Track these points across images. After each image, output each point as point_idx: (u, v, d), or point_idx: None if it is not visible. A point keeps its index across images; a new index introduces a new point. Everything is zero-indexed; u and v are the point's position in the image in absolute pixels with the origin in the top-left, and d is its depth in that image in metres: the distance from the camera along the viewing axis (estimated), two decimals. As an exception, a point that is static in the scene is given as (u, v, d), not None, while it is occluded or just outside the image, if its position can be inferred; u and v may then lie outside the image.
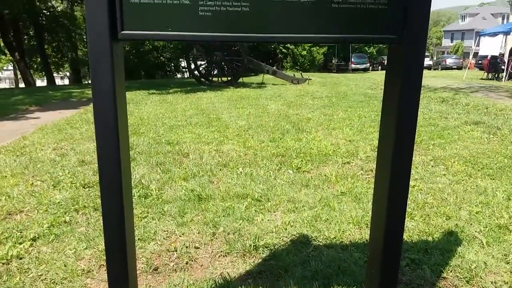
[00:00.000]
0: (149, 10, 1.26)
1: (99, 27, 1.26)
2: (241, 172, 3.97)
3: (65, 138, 5.58)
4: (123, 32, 1.27)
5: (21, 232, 2.71)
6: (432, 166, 4.21)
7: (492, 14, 67.14)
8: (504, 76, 18.48)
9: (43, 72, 29.91)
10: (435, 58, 47.93)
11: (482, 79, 20.17)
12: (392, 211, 1.51)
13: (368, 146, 5.07)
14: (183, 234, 2.67)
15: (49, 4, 26.82)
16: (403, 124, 1.38)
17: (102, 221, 1.43)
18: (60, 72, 40.39)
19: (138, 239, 2.59)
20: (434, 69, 38.37)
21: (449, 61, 39.75)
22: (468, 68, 26.25)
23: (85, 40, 31.41)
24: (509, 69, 18.38)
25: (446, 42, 71.27)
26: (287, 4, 1.29)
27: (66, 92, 13.66)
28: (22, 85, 28.76)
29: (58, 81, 37.89)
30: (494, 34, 20.97)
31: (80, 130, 6.13)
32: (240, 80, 16.14)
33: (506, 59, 18.96)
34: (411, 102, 1.39)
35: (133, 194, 3.20)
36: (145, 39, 1.28)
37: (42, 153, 4.75)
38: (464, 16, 71.89)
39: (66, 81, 40.84)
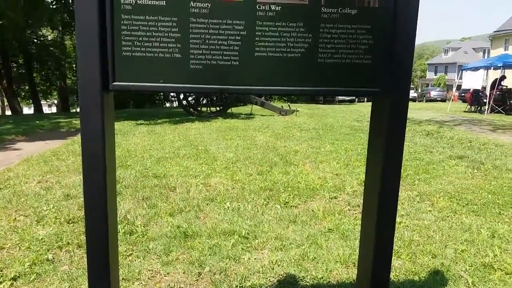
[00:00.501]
0: (141, 63, 1.30)
1: (91, 78, 1.28)
2: (228, 207, 3.96)
3: (50, 170, 5.51)
4: (114, 83, 1.30)
5: (1, 271, 2.64)
6: (418, 202, 4.26)
7: (473, 49, 69.53)
8: (486, 109, 18.96)
9: (31, 100, 29.77)
10: (419, 90, 49.07)
11: (465, 111, 20.66)
12: (379, 256, 1.53)
13: (355, 180, 5.12)
14: (168, 273, 2.63)
15: (40, 33, 27.01)
16: (388, 174, 1.42)
17: (86, 259, 1.42)
18: (48, 100, 40.25)
19: (123, 278, 2.54)
20: (419, 101, 39.21)
21: (433, 94, 40.77)
22: (452, 100, 26.87)
23: (74, 69, 31.50)
24: (491, 102, 18.89)
25: (430, 75, 73.25)
26: (274, 59, 1.33)
27: (53, 121, 13.57)
28: (8, 112, 28.52)
29: (46, 109, 37.73)
30: (476, 69, 21.66)
31: (66, 162, 6.07)
32: (229, 110, 16.26)
33: (487, 92, 19.50)
34: (395, 153, 1.43)
35: (118, 231, 3.16)
36: (136, 90, 1.31)
37: (26, 186, 4.68)
38: (447, 50, 74.33)
39: (54, 109, 40.66)
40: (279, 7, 1.31)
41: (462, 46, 73.46)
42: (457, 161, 6.38)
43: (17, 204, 4.02)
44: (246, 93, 1.52)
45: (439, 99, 39.35)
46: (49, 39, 28.39)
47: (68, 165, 5.83)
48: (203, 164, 5.98)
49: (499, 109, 19.08)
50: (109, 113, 1.36)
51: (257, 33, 1.32)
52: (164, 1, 1.27)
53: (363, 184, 4.93)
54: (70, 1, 22.86)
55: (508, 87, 20.49)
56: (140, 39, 1.29)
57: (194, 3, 1.28)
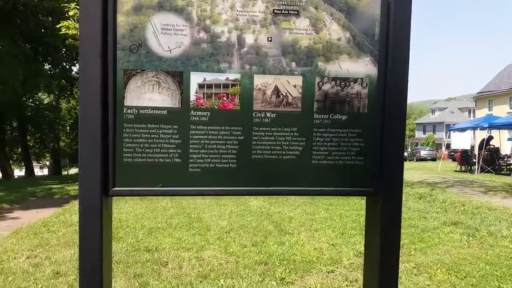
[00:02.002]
0: (141, 168, 1.33)
1: (91, 183, 1.31)
2: (222, 285, 3.85)
3: (40, 244, 5.38)
4: (114, 189, 1.32)
5: None
6: (416, 275, 4.18)
7: (459, 109, 71.82)
8: (476, 169, 19.21)
9: (23, 163, 29.63)
10: (409, 150, 49.87)
11: (456, 171, 20.89)
12: None
13: (351, 251, 5.04)
14: None
15: (36, 97, 27.50)
16: (385, 273, 1.42)
17: None
18: (40, 162, 40.11)
19: None
20: (410, 160, 39.71)
21: (423, 153, 41.42)
22: (442, 159, 27.26)
23: (67, 131, 31.75)
24: (480, 162, 19.18)
25: (419, 134, 74.85)
26: (271, 161, 1.38)
27: (45, 187, 13.43)
28: (-1, 175, 28.20)
29: (37, 171, 37.42)
30: (463, 129, 22.25)
31: (57, 234, 5.94)
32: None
33: (476, 152, 19.90)
34: (391, 252, 1.44)
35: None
36: (136, 195, 1.34)
37: (14, 263, 4.54)
38: (434, 110, 76.65)
39: (45, 171, 40.37)
40: (274, 114, 1.39)
41: (448, 106, 75.94)
42: (452, 227, 6.35)
43: (4, 285, 3.87)
44: (242, 195, 1.55)
45: (429, 158, 39.91)
46: (45, 102, 28.87)
47: (59, 238, 5.70)
48: (196, 235, 5.88)
49: (489, 168, 19.35)
50: (107, 216, 1.37)
51: (253, 138, 1.38)
52: (166, 111, 1.34)
53: (359, 255, 4.86)
54: (67, 67, 23.54)
55: (496, 147, 20.94)
56: (141, 146, 1.34)
57: (195, 112, 1.35)
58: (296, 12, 1.36)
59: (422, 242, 5.46)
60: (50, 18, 17.64)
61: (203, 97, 1.36)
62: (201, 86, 1.36)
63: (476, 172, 18.96)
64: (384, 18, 1.38)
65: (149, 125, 1.34)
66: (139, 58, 1.32)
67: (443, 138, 47.99)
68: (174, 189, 1.37)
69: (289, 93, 1.39)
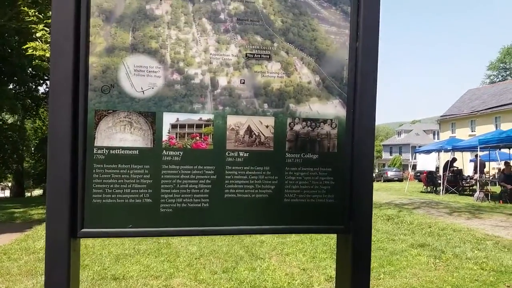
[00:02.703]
0: (111, 209, 1.31)
1: (59, 225, 1.28)
2: (193, 316, 3.76)
3: (0, 273, 5.12)
4: (82, 230, 1.30)
5: None
6: (385, 300, 4.23)
7: (424, 131, 74.36)
8: (441, 189, 19.81)
9: (-18, 184, 28.33)
10: (377, 170, 50.96)
11: (422, 192, 21.46)
12: None
13: (322, 276, 5.05)
14: None
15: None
16: (355, 311, 1.44)
17: None
18: (1, 183, 38.45)
19: None
20: (377, 181, 40.52)
21: (390, 173, 42.45)
22: (409, 180, 27.96)
23: (32, 151, 30.68)
24: (445, 183, 19.80)
25: (385, 155, 76.76)
26: (243, 200, 1.39)
27: (7, 211, 12.85)
28: (-44, 197, 26.80)
29: (-2, 192, 35.80)
30: (428, 151, 22.99)
31: (19, 262, 5.67)
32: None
33: (441, 173, 20.54)
34: (362, 284, 1.47)
35: None
36: (105, 236, 1.31)
37: (-30, 296, 4.29)
38: (400, 132, 79.06)
39: (7, 192, 38.67)
40: (247, 153, 1.40)
41: (413, 128, 78.54)
42: (419, 250, 6.49)
43: (-43, 320, 3.64)
44: (215, 234, 1.55)
45: (396, 178, 40.91)
46: (9, 122, 27.87)
47: (20, 266, 5.44)
48: (165, 262, 5.75)
49: (453, 189, 19.98)
50: (75, 258, 1.33)
51: (226, 177, 1.39)
52: (137, 151, 1.33)
53: (330, 279, 4.87)
54: (34, 87, 22.92)
55: (459, 168, 21.70)
56: (111, 186, 1.32)
57: (167, 152, 1.35)
58: (268, 56, 1.40)
59: (391, 265, 5.54)
60: (17, 38, 17.24)
61: (176, 137, 1.36)
62: (174, 126, 1.36)
63: (441, 192, 19.55)
64: (352, 63, 1.44)
65: (119, 165, 1.33)
66: (111, 98, 1.31)
67: (409, 159, 49.42)
68: (145, 230, 1.35)
69: (262, 133, 1.42)
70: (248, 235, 7.64)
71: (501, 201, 15.50)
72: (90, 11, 1.29)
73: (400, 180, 39.95)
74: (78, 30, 1.28)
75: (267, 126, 1.42)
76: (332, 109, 1.45)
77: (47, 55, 8.87)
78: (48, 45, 8.96)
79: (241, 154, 1.40)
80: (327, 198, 1.46)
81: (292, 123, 1.44)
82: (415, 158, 26.12)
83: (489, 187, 18.23)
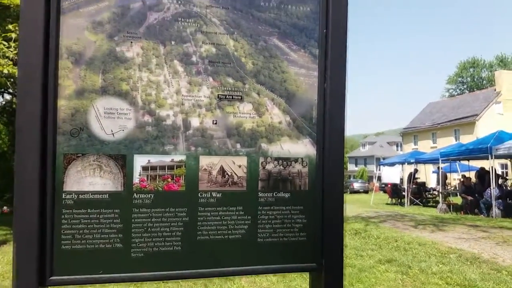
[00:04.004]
0: (81, 256, 1.28)
1: (27, 273, 1.24)
2: None
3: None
4: (51, 278, 1.26)
5: None
6: (355, 320, 4.27)
7: (388, 143, 76.50)
8: (406, 201, 20.36)
9: None
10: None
11: (387, 204, 21.97)
12: None
13: (293, 296, 5.06)
14: None
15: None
16: None
17: None
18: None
19: None
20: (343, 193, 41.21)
21: (356, 185, 43.29)
22: (374, 191, 28.60)
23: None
24: (409, 195, 20.38)
25: (351, 167, 78.32)
26: (216, 241, 1.39)
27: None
28: None
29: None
30: (392, 164, 23.64)
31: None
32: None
33: (405, 185, 21.14)
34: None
35: None
36: (76, 284, 1.27)
37: None
38: (364, 144, 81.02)
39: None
40: (220, 194, 1.40)
41: (377, 140, 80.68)
42: (387, 265, 6.61)
43: None
44: (187, 278, 1.53)
45: (362, 190, 41.76)
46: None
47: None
48: None
49: (417, 201, 20.59)
50: (42, 308, 1.28)
51: (199, 218, 1.38)
52: (107, 195, 1.31)
53: (301, 300, 4.89)
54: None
55: (422, 181, 22.42)
56: (81, 231, 1.29)
57: (138, 195, 1.33)
58: (240, 97, 1.42)
59: (360, 283, 5.62)
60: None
61: (147, 179, 1.35)
62: (145, 168, 1.35)
63: (406, 204, 20.09)
64: (320, 103, 1.48)
65: (89, 210, 1.30)
66: (80, 142, 1.28)
67: (374, 171, 50.58)
68: (116, 275, 1.31)
69: (235, 172, 1.43)
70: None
71: (462, 212, 16.10)
72: (59, 53, 1.27)
73: (366, 191, 40.79)
74: (46, 73, 1.25)
75: (239, 166, 1.43)
76: (303, 148, 1.48)
77: (5, 71, 8.54)
78: (5, 59, 8.65)
79: (213, 194, 1.40)
80: (300, 236, 1.48)
81: (264, 162, 1.45)
82: (379, 170, 26.78)
83: (451, 198, 18.91)
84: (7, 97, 15.58)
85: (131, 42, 1.33)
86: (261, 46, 1.43)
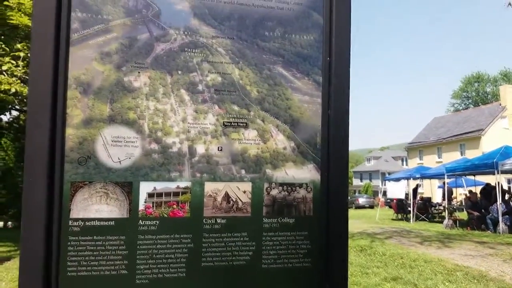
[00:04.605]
0: (86, 282, 1.29)
1: (31, 300, 1.24)
2: None
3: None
4: (56, 306, 1.26)
5: None
6: None
7: (393, 157, 76.21)
8: (411, 217, 20.20)
9: None
10: (348, 198, 51.58)
11: (393, 219, 21.79)
12: None
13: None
14: None
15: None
16: None
17: None
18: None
19: None
20: (348, 208, 41.01)
21: (362, 201, 43.06)
22: (380, 206, 28.41)
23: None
24: (415, 210, 20.23)
25: (356, 182, 77.97)
26: (221, 268, 1.41)
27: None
28: None
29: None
30: (397, 179, 23.51)
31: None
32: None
33: (410, 201, 21.02)
34: None
35: None
36: (79, 311, 1.28)
37: None
38: (370, 158, 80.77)
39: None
40: (224, 220, 1.41)
41: (382, 155, 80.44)
42: (392, 283, 6.54)
43: None
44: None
45: (367, 205, 41.52)
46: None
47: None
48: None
49: (423, 216, 20.43)
50: (47, 336, 1.28)
51: (203, 245, 1.39)
52: (113, 222, 1.32)
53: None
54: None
55: (427, 196, 22.27)
56: (86, 258, 1.30)
57: (143, 222, 1.34)
58: (245, 124, 1.44)
59: (366, 302, 5.56)
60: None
61: (152, 206, 1.36)
62: (150, 195, 1.36)
63: (411, 220, 19.92)
64: (324, 129, 1.50)
65: (95, 237, 1.31)
66: (87, 170, 1.30)
67: (379, 186, 50.31)
68: (121, 302, 1.32)
69: (239, 198, 1.44)
70: None
71: (468, 227, 15.93)
72: (68, 83, 1.30)
73: (371, 207, 40.53)
74: (55, 102, 1.28)
75: (244, 192, 1.44)
76: (307, 173, 1.49)
77: (13, 89, 8.65)
78: (14, 78, 8.77)
79: (218, 221, 1.41)
80: (304, 262, 1.48)
81: (269, 188, 1.46)
82: (384, 185, 26.65)
83: (457, 214, 18.74)
84: (14, 113, 15.76)
85: (139, 72, 1.36)
86: (265, 74, 1.46)
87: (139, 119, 1.35)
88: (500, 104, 40.14)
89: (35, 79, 1.29)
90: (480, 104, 59.12)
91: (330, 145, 1.50)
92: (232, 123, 1.43)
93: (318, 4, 1.51)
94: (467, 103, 69.08)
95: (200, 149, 1.40)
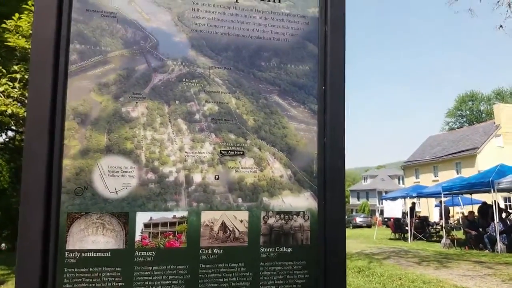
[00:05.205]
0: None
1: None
2: None
3: None
4: None
5: None
6: None
7: (389, 176, 76.20)
8: (409, 236, 20.07)
9: None
10: (345, 217, 51.30)
11: (390, 239, 21.64)
12: None
13: None
14: None
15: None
16: None
17: None
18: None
19: None
20: (346, 227, 40.72)
21: (359, 220, 42.79)
22: (377, 225, 28.23)
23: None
24: (412, 230, 20.12)
25: (353, 200, 77.69)
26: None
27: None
28: None
29: None
30: (394, 198, 23.47)
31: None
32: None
33: (408, 220, 20.91)
34: None
35: None
36: None
37: None
38: (366, 177, 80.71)
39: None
40: (221, 250, 1.40)
41: (379, 173, 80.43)
42: (391, 306, 6.46)
43: None
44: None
45: (365, 225, 41.24)
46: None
47: None
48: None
49: (420, 236, 20.30)
50: None
51: (200, 276, 1.38)
52: (109, 253, 1.31)
53: None
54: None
55: (424, 215, 22.20)
56: (82, 290, 1.28)
57: (139, 253, 1.33)
58: (241, 153, 1.45)
59: (365, 326, 5.47)
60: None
61: (149, 237, 1.35)
62: (147, 225, 1.35)
63: (409, 239, 19.80)
64: (320, 157, 1.51)
65: (91, 269, 1.29)
66: (84, 201, 1.30)
67: (376, 204, 50.15)
68: None
69: (236, 228, 1.43)
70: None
71: (466, 247, 15.84)
72: (66, 114, 1.31)
73: (369, 226, 40.29)
74: (52, 133, 1.29)
75: (241, 221, 1.43)
76: (304, 201, 1.49)
77: (9, 110, 8.65)
78: (10, 99, 8.78)
79: (215, 251, 1.40)
80: (302, 278, 1.46)
81: (266, 217, 1.46)
82: (382, 204, 26.56)
83: (454, 233, 18.64)
84: (10, 133, 15.72)
85: (136, 102, 1.37)
86: (262, 103, 1.48)
87: (136, 149, 1.35)
88: (495, 123, 40.43)
89: (33, 109, 1.29)
90: (474, 122, 59.56)
91: (326, 173, 1.50)
92: (229, 152, 1.44)
93: (313, 35, 1.54)
94: (462, 121, 69.59)
95: (197, 178, 1.40)
